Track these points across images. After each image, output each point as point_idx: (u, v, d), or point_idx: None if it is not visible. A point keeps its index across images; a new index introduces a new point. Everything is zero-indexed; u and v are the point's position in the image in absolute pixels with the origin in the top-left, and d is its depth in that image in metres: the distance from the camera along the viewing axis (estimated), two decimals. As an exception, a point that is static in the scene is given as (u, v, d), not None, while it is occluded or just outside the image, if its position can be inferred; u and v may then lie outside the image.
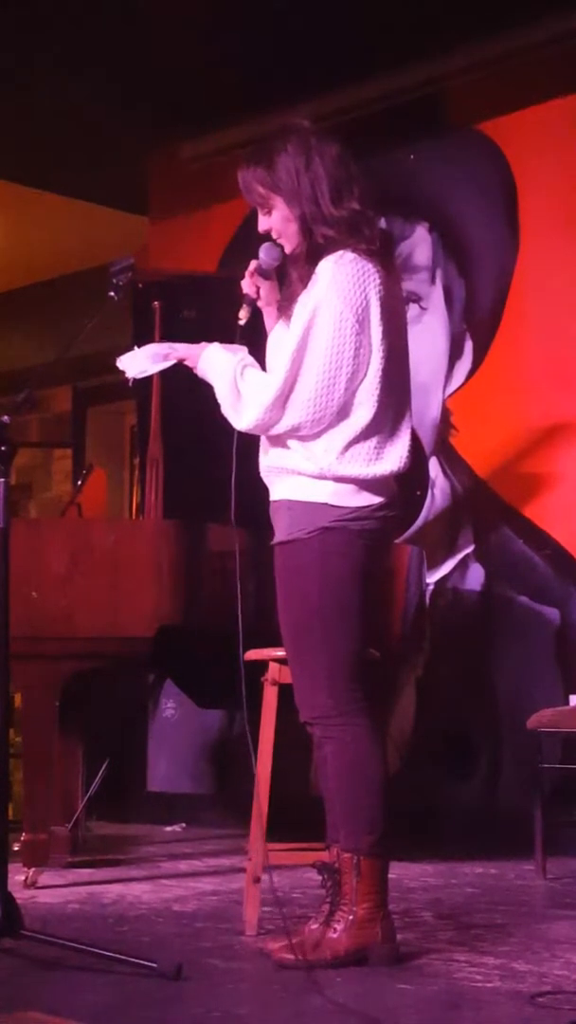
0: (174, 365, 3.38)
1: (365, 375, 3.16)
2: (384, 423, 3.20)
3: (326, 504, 3.17)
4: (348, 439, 3.16)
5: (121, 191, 7.29)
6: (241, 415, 3.19)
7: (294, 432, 3.17)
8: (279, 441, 3.23)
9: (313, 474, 3.18)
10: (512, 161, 5.85)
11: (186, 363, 3.34)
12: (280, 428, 3.17)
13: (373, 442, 3.18)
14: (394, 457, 3.21)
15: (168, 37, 5.91)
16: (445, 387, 5.93)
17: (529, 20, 5.65)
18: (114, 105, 6.44)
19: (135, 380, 3.42)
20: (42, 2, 5.57)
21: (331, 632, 3.18)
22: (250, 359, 3.25)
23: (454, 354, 5.94)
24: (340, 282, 3.13)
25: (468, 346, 5.92)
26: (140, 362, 3.38)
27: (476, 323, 5.91)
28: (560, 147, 5.70)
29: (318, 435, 3.17)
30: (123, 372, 3.40)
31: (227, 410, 3.22)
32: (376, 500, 3.20)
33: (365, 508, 3.18)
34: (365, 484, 3.18)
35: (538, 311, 5.72)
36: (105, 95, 6.35)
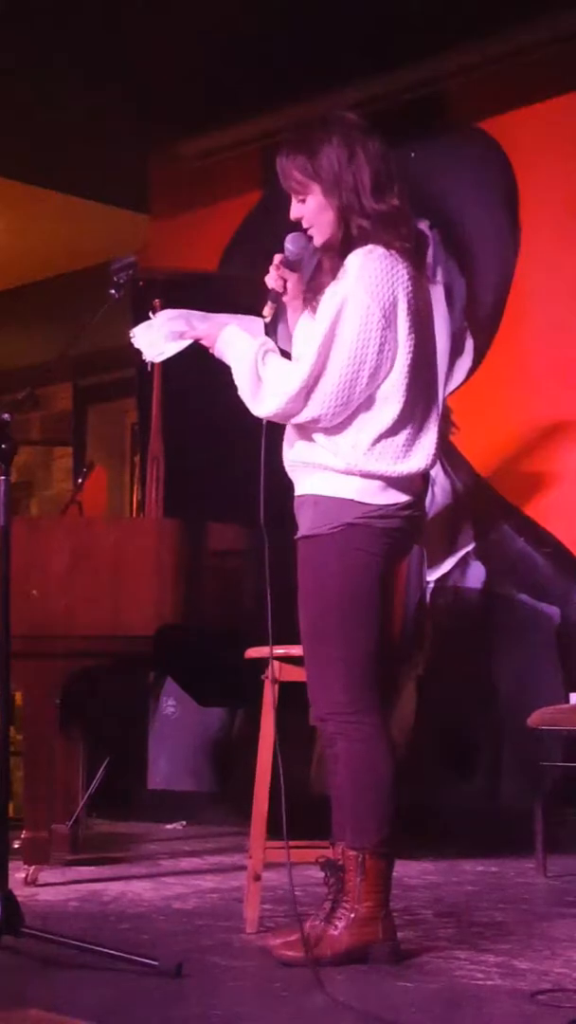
0: (188, 349, 3.34)
1: (391, 371, 3.15)
2: (411, 420, 3.18)
3: (352, 500, 3.16)
4: (375, 435, 3.15)
5: (122, 189, 7.28)
6: (261, 402, 3.17)
7: (313, 423, 3.16)
8: (305, 435, 3.22)
9: (340, 469, 3.16)
10: (513, 159, 5.85)
11: (203, 342, 3.33)
12: (300, 419, 3.15)
13: (401, 439, 3.17)
14: (421, 455, 3.19)
15: (169, 35, 5.91)
16: (446, 385, 5.92)
17: (531, 18, 5.65)
18: (115, 103, 6.43)
19: (152, 364, 3.38)
20: (42, 1, 5.57)
21: (350, 629, 3.17)
22: (271, 343, 3.23)
23: (455, 352, 5.94)
24: (368, 276, 3.12)
25: (469, 344, 5.92)
26: (157, 342, 3.34)
27: (477, 321, 5.91)
28: (561, 145, 5.70)
29: (341, 429, 3.16)
30: (140, 353, 3.36)
31: (245, 395, 3.20)
32: (402, 499, 3.18)
33: (391, 506, 3.17)
34: (392, 482, 3.17)
35: (539, 309, 5.72)
36: (106, 93, 6.34)
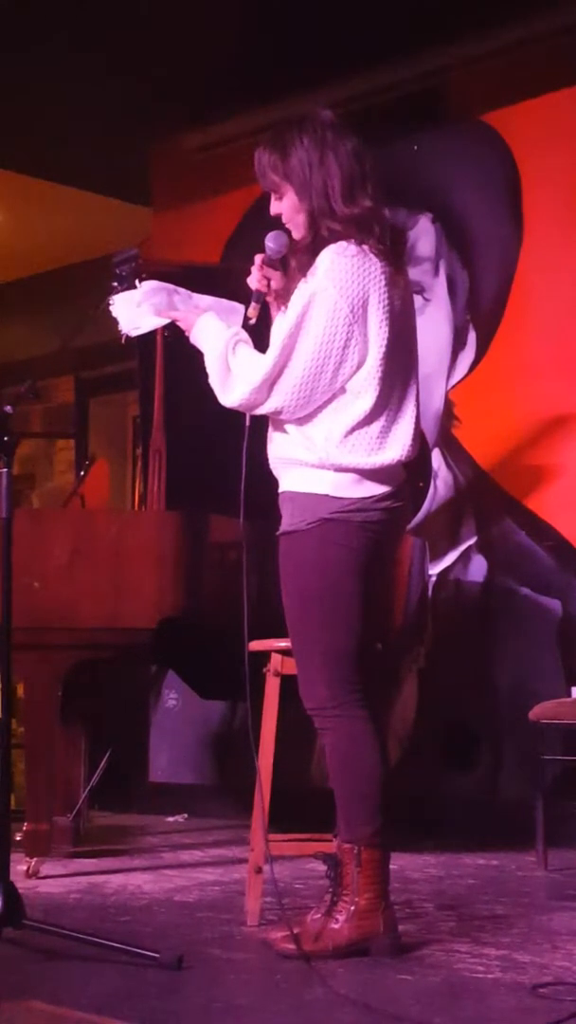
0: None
1: (362, 364, 3.16)
2: (385, 413, 3.19)
3: (327, 495, 3.17)
4: (347, 428, 3.16)
5: (124, 181, 7.28)
6: (228, 391, 3.20)
7: (275, 415, 3.19)
8: (281, 430, 3.24)
9: (313, 464, 3.18)
10: (516, 152, 5.83)
11: (179, 325, 3.36)
12: (263, 410, 3.18)
13: (375, 431, 3.18)
14: (397, 446, 3.20)
15: (171, 26, 5.90)
16: (448, 378, 5.92)
17: (534, 10, 5.64)
18: (117, 95, 6.42)
19: (127, 337, 3.40)
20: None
21: (328, 624, 3.18)
22: (244, 334, 3.26)
23: (457, 345, 5.93)
24: (338, 272, 3.13)
25: (471, 337, 5.91)
26: (135, 316, 3.36)
27: (480, 314, 5.90)
28: (564, 138, 5.69)
29: (315, 422, 3.17)
30: (116, 323, 3.37)
31: (215, 383, 3.23)
32: (379, 490, 3.19)
33: (367, 499, 3.18)
34: (367, 474, 3.18)
35: (542, 302, 5.71)
36: (108, 85, 6.34)
